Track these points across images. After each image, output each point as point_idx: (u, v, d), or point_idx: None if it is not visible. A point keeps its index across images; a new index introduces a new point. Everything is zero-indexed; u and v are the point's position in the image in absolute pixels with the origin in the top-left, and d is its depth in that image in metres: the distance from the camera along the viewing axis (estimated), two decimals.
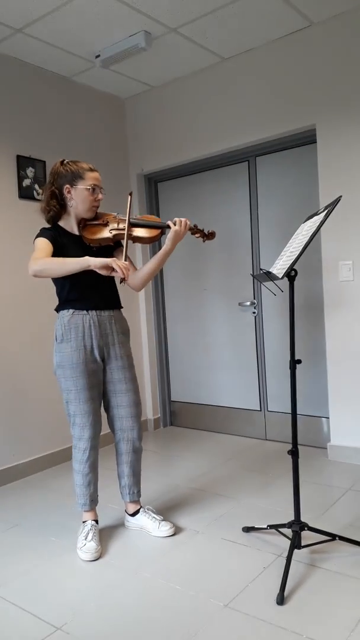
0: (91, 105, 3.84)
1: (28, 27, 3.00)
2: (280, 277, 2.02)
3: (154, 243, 3.75)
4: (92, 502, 2.34)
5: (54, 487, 3.10)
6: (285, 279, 2.03)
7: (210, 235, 2.38)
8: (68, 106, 3.67)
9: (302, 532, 2.10)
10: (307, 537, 2.19)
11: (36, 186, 3.40)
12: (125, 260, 2.13)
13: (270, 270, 2.16)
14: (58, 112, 3.59)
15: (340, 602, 1.81)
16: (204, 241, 2.41)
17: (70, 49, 3.27)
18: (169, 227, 2.26)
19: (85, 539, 2.25)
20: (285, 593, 1.86)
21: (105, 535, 2.41)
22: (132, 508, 2.46)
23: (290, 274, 2.03)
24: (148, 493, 2.87)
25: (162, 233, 2.32)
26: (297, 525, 2.07)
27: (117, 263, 2.05)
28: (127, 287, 2.27)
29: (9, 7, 2.80)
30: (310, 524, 2.30)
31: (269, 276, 2.10)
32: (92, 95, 3.85)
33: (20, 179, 3.31)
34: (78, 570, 2.13)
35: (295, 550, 2.09)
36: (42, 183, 3.43)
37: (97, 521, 2.36)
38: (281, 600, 1.82)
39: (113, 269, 2.06)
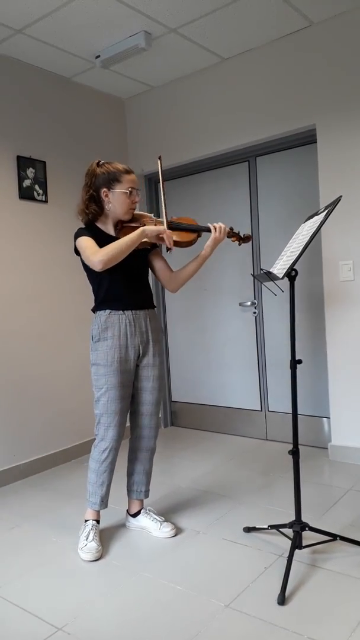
0: (91, 105, 3.84)
1: (28, 28, 3.00)
2: (280, 277, 2.02)
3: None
4: (102, 503, 2.34)
5: (55, 487, 3.10)
6: (286, 279, 2.03)
7: (246, 239, 2.40)
8: (68, 107, 3.67)
9: (303, 532, 2.10)
10: (308, 537, 2.19)
11: (36, 187, 3.40)
12: (167, 223, 2.22)
13: (270, 270, 2.16)
14: (58, 113, 3.59)
15: (342, 602, 1.81)
16: (239, 244, 2.43)
17: (70, 50, 3.28)
18: (208, 230, 2.28)
19: (86, 539, 2.25)
20: (287, 593, 1.86)
21: (107, 535, 2.41)
22: (134, 508, 2.46)
23: (291, 274, 2.03)
24: (150, 493, 2.87)
25: (199, 236, 2.32)
26: (298, 526, 2.07)
27: (166, 233, 2.16)
28: (162, 287, 2.31)
29: (9, 8, 2.80)
30: (311, 524, 2.30)
31: (270, 276, 2.10)
32: (92, 96, 3.85)
33: (20, 179, 3.32)
34: (79, 571, 2.13)
35: (296, 551, 2.09)
36: (42, 184, 3.43)
37: (98, 521, 2.36)
38: (282, 600, 1.81)
39: (162, 239, 2.17)
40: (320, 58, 3.13)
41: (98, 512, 2.36)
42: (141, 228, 2.15)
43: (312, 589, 1.89)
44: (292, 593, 1.87)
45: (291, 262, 2.00)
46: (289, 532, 2.20)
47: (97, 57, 3.33)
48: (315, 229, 2.00)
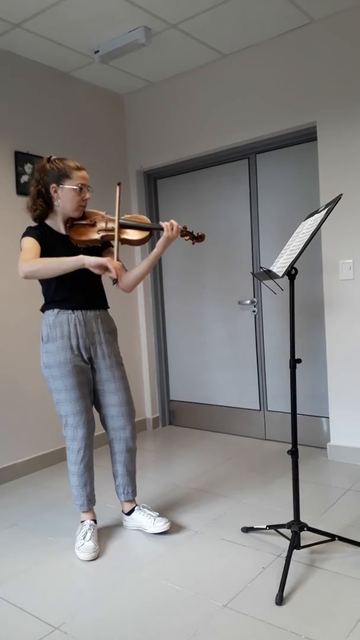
0: (90, 101, 3.82)
1: (26, 22, 2.97)
2: (280, 275, 2.00)
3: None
4: (90, 502, 2.33)
5: (52, 486, 3.08)
6: (286, 277, 2.02)
7: (199, 238, 2.37)
8: (66, 102, 3.64)
9: (301, 533, 2.09)
10: (306, 537, 2.18)
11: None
12: (117, 261, 2.10)
13: (270, 268, 2.14)
14: (56, 108, 3.57)
15: (340, 602, 1.80)
16: (193, 244, 2.40)
17: (69, 45, 3.25)
18: (160, 229, 2.25)
19: (84, 538, 2.24)
20: (285, 593, 1.85)
21: (104, 535, 2.40)
22: (127, 507, 2.45)
23: (291, 273, 2.01)
24: (147, 493, 2.86)
25: (152, 235, 2.30)
26: (297, 526, 2.06)
27: (113, 263, 2.03)
28: (117, 288, 2.26)
29: (7, 2, 2.77)
30: (310, 524, 2.29)
31: (269, 275, 2.09)
32: (91, 91, 3.82)
33: (18, 175, 3.29)
34: (76, 570, 2.12)
35: (295, 551, 2.08)
36: None
37: (95, 521, 2.35)
38: (280, 600, 1.80)
39: (107, 269, 2.04)
40: (321, 55, 3.11)
41: (93, 512, 2.35)
42: (80, 257, 2.02)
43: (310, 589, 1.88)
44: (290, 593, 1.86)
45: (291, 260, 1.98)
46: (288, 532, 2.19)
47: (96, 52, 3.31)
48: (315, 227, 1.99)
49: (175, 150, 3.83)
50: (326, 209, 2.04)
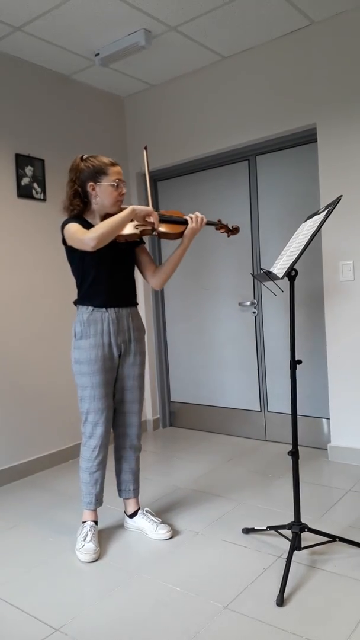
0: (90, 103, 3.83)
1: (27, 25, 2.98)
2: (280, 276, 2.00)
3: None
4: (97, 501, 2.33)
5: (53, 487, 3.09)
6: (286, 278, 2.02)
7: (234, 230, 2.40)
8: (67, 105, 3.65)
9: (302, 534, 2.09)
10: (307, 538, 2.18)
11: (35, 185, 3.39)
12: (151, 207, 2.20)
13: (270, 270, 2.15)
14: (57, 111, 3.58)
15: (341, 603, 1.80)
16: (228, 236, 2.43)
17: (70, 47, 3.26)
18: (186, 222, 2.26)
19: (84, 540, 2.24)
20: (285, 594, 1.85)
21: (105, 536, 2.40)
22: (130, 508, 2.44)
23: (291, 274, 2.02)
24: (147, 494, 2.86)
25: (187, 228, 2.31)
26: (297, 527, 2.06)
27: (154, 214, 2.15)
28: (145, 284, 2.30)
29: (8, 5, 2.78)
30: (311, 525, 2.28)
31: (269, 276, 2.09)
32: (91, 94, 3.84)
33: (18, 177, 3.30)
34: (77, 571, 2.12)
35: (295, 552, 2.08)
36: (41, 182, 3.42)
37: (96, 522, 2.34)
38: (281, 601, 1.80)
39: (149, 221, 2.15)
40: (321, 57, 3.12)
41: (95, 513, 2.35)
42: (131, 206, 2.12)
43: (311, 590, 1.88)
44: (291, 594, 1.86)
45: (291, 261, 1.99)
46: (288, 533, 2.19)
47: (97, 55, 3.32)
48: (315, 228, 1.99)
49: (175, 152, 3.84)
50: (326, 211, 2.05)
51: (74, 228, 2.12)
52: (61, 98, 3.61)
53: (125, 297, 2.30)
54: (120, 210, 2.23)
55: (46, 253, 3.46)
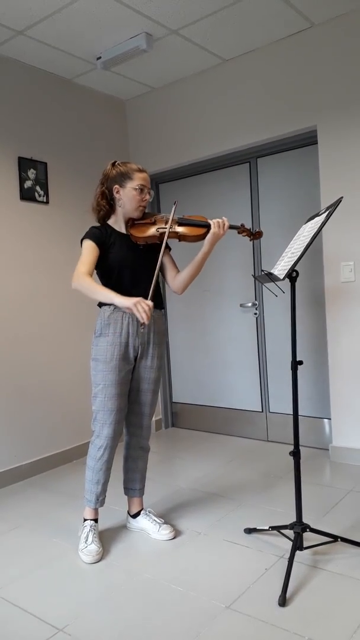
0: (92, 107, 3.85)
1: (29, 29, 3.00)
2: (281, 278, 2.02)
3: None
4: (98, 501, 2.34)
5: (56, 488, 3.10)
6: (287, 280, 2.03)
7: (257, 235, 2.41)
8: (69, 108, 3.67)
9: (304, 534, 2.10)
10: (309, 538, 2.19)
11: (37, 188, 3.41)
12: (150, 298, 2.05)
13: (271, 271, 2.16)
14: (59, 114, 3.60)
15: (343, 603, 1.81)
16: (250, 240, 2.44)
17: (72, 51, 3.28)
18: (209, 226, 2.28)
19: (86, 541, 2.25)
20: (287, 594, 1.85)
21: (107, 536, 2.41)
22: (133, 507, 2.46)
23: (292, 275, 2.03)
24: (150, 494, 2.87)
25: (208, 232, 2.31)
26: (299, 527, 2.07)
27: (141, 304, 1.98)
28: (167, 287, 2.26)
29: (11, 9, 2.80)
30: (312, 526, 2.29)
31: (270, 277, 2.10)
32: (93, 97, 3.85)
33: (21, 180, 3.32)
34: (80, 572, 2.13)
35: (297, 552, 2.08)
36: (44, 185, 3.44)
37: (96, 520, 2.35)
38: (283, 601, 1.81)
39: (136, 311, 2.00)
40: (322, 59, 3.13)
41: (96, 511, 2.36)
42: (111, 297, 2.06)
43: (313, 591, 1.89)
44: (293, 594, 1.87)
45: (292, 263, 2.00)
46: (290, 533, 2.19)
47: (98, 58, 3.34)
48: (316, 230, 2.00)
49: (177, 155, 3.86)
50: (327, 212, 2.06)
51: (84, 250, 2.21)
52: (63, 101, 3.63)
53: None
54: (141, 215, 2.33)
55: (49, 255, 3.48)
